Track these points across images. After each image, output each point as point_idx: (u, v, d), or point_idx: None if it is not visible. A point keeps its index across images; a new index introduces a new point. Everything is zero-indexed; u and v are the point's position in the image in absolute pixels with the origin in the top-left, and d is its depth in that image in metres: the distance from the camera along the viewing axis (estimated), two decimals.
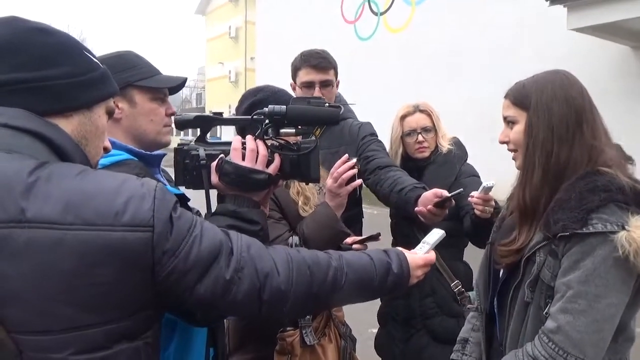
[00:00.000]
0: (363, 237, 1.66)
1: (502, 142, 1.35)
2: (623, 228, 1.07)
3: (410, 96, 2.23)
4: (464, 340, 1.52)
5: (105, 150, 0.95)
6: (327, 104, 1.23)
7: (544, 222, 1.18)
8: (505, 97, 1.33)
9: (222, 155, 1.17)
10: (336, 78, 2.18)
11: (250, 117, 1.19)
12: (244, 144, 1.17)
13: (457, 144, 2.18)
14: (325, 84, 2.10)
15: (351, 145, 2.10)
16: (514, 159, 1.33)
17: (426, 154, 2.14)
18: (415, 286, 2.09)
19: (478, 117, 8.78)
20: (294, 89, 2.18)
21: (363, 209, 2.34)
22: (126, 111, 1.23)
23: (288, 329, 1.54)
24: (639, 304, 1.17)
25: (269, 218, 1.55)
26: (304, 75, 2.10)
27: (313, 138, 1.20)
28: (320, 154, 1.89)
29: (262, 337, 1.57)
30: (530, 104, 1.25)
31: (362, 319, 2.38)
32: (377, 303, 2.27)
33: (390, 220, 2.29)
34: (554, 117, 1.21)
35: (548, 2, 7.39)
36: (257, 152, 1.16)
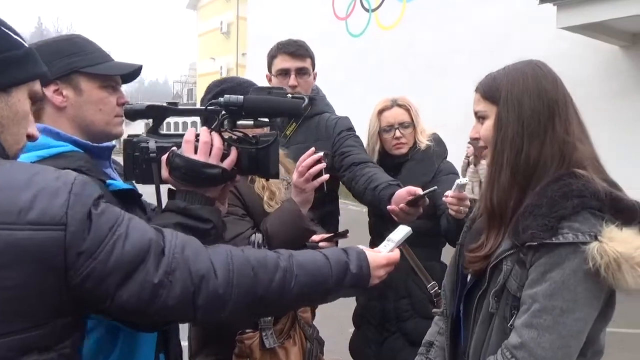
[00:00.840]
0: (330, 234, 1.58)
1: (472, 139, 1.27)
2: (595, 238, 1.00)
3: (401, 93, 2.16)
4: (428, 344, 1.46)
5: (30, 138, 0.86)
6: (289, 95, 1.15)
7: (512, 228, 1.11)
8: (476, 90, 1.25)
9: (174, 147, 1.09)
10: (313, 69, 2.11)
11: (204, 107, 1.11)
12: (198, 136, 1.09)
13: (437, 140, 2.11)
14: (302, 72, 2.03)
15: (327, 141, 2.03)
16: (484, 156, 1.26)
17: (404, 150, 2.07)
18: (390, 288, 2.08)
19: (469, 115, 8.75)
20: (269, 80, 2.11)
21: (349, 206, 2.27)
22: (71, 99, 1.14)
23: (247, 331, 1.47)
24: (609, 317, 1.10)
25: (230, 214, 1.47)
26: (280, 63, 2.03)
27: (273, 131, 1.12)
28: (295, 149, 1.83)
29: (222, 340, 1.50)
30: (500, 97, 1.17)
31: (343, 317, 2.32)
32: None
33: (368, 218, 2.23)
34: (525, 111, 1.13)
35: (538, 0, 7.36)
36: (212, 145, 1.08)
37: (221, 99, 1.08)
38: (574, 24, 7.23)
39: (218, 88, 1.52)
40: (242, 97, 1.07)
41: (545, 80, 1.16)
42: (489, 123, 1.20)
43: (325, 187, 1.54)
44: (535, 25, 8.57)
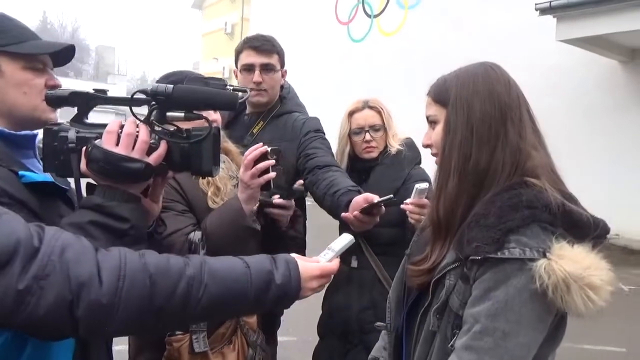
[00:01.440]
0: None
1: (425, 146, 1.18)
2: (544, 255, 0.90)
3: (401, 99, 2.08)
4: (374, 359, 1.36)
5: None
6: (230, 87, 1.06)
7: (457, 240, 1.02)
8: (427, 94, 1.17)
9: (97, 139, 1.00)
10: (282, 66, 2.02)
11: (130, 96, 1.02)
12: (123, 127, 1.00)
13: (409, 145, 2.02)
14: (267, 68, 1.95)
15: (293, 141, 1.95)
16: (437, 163, 1.16)
17: (374, 154, 1.98)
18: (356, 298, 1.99)
19: None
20: (236, 76, 2.04)
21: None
22: None
23: (177, 333, 1.38)
24: (559, 339, 1.00)
25: (169, 210, 1.38)
26: (244, 58, 1.96)
27: (207, 125, 1.03)
28: None
29: (155, 342, 1.42)
30: (449, 100, 1.08)
31: (313, 325, 2.22)
32: None
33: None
34: (475, 114, 1.04)
35: (538, 12, 7.30)
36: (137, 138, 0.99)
37: (149, 88, 0.99)
38: (573, 36, 7.17)
39: (166, 80, 1.43)
40: (172, 86, 0.99)
41: (498, 83, 1.07)
42: (439, 128, 1.12)
43: (272, 185, 1.46)
44: (535, 37, 8.50)
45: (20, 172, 0.99)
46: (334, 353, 2.02)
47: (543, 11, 7.24)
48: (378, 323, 1.40)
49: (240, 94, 1.08)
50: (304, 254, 1.99)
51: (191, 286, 0.82)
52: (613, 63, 8.11)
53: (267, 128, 2.00)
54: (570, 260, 0.89)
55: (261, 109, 2.02)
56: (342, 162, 2.01)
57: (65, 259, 0.74)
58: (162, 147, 1.02)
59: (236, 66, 2.03)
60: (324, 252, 1.06)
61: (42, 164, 1.15)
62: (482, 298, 0.94)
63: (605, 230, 1.00)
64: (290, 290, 0.92)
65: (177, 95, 0.98)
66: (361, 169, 1.99)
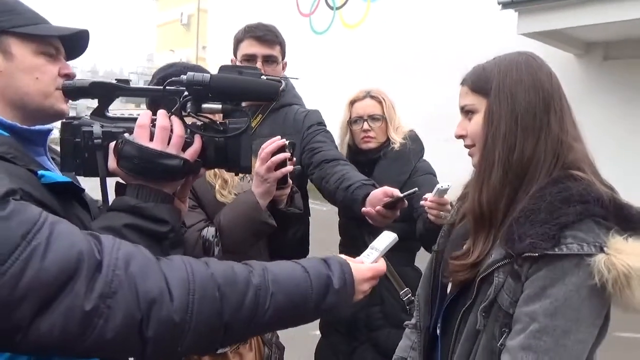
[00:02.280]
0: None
1: (458, 137, 1.15)
2: (601, 250, 0.89)
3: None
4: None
5: None
6: (264, 77, 0.99)
7: (506, 236, 0.99)
8: (462, 83, 1.13)
9: (125, 134, 0.91)
10: (283, 57, 1.95)
11: (162, 86, 0.93)
12: (154, 120, 0.91)
13: (413, 137, 1.99)
14: (269, 60, 1.87)
15: (295, 135, 1.88)
16: (470, 155, 1.14)
17: (372, 145, 1.94)
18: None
19: (432, 117, 8.81)
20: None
21: (314, 205, 2.12)
22: (0, 65, 0.93)
23: None
24: (604, 334, 0.99)
25: None
26: (246, 48, 1.87)
27: (245, 118, 0.96)
28: (260, 142, 1.64)
29: None
30: (491, 89, 1.05)
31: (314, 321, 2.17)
32: None
33: (338, 218, 2.09)
34: (519, 103, 1.02)
35: (500, 5, 7.48)
36: (171, 132, 0.90)
37: (184, 77, 0.91)
38: (533, 30, 7.39)
39: (164, 72, 1.34)
40: (209, 75, 0.90)
41: (540, 72, 1.06)
42: (477, 118, 1.09)
43: (289, 179, 1.40)
44: (497, 30, 8.72)
45: (40, 172, 0.89)
46: (338, 351, 1.98)
47: (505, 5, 7.43)
48: (407, 322, 1.37)
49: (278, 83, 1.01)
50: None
51: (259, 296, 0.75)
52: (569, 56, 8.44)
53: (266, 121, 1.93)
54: (630, 254, 0.88)
55: (259, 103, 1.94)
56: (342, 152, 1.97)
57: (132, 272, 0.65)
58: (197, 141, 0.94)
59: (234, 55, 1.93)
60: (366, 251, 1.01)
61: (52, 162, 1.04)
62: (538, 296, 0.92)
63: None
64: (346, 295, 0.87)
65: (215, 85, 0.90)
66: (364, 162, 1.94)
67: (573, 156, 1.03)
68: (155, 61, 29.68)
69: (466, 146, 1.15)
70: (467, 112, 1.12)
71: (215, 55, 17.38)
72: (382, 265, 0.97)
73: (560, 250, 0.90)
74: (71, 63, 1.13)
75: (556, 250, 0.90)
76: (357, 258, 0.98)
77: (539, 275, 0.92)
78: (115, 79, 0.96)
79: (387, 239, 1.03)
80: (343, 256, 0.93)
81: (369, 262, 0.96)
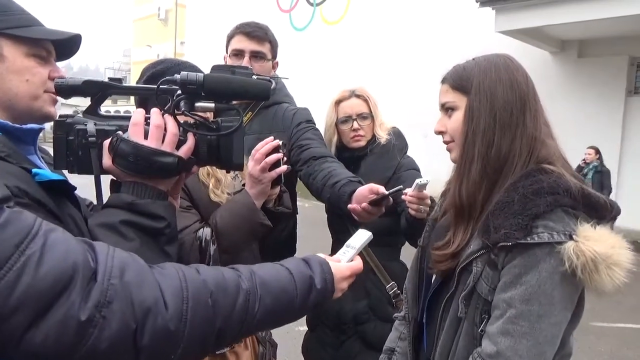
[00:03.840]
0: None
1: (437, 133, 1.20)
2: (570, 238, 0.95)
3: (343, 89, 2.06)
4: (390, 350, 1.37)
5: None
6: (255, 76, 1.01)
7: (482, 227, 1.04)
8: (443, 81, 1.18)
9: (118, 131, 0.92)
10: (274, 57, 1.96)
11: (156, 86, 0.94)
12: (147, 118, 0.92)
13: (397, 134, 2.02)
14: (257, 56, 1.88)
15: (284, 132, 1.89)
16: (448, 150, 1.19)
17: (362, 143, 1.97)
18: (348, 288, 1.97)
19: (411, 113, 8.91)
20: (225, 61, 1.95)
21: (302, 203, 2.14)
22: None
23: None
24: (579, 317, 1.06)
25: None
26: (235, 43, 1.88)
27: (237, 116, 0.97)
28: (250, 139, 1.68)
29: None
30: (471, 87, 1.10)
31: None
32: None
33: (324, 215, 2.11)
34: (498, 101, 1.07)
35: (478, 3, 7.59)
36: (165, 130, 0.92)
37: (177, 76, 0.92)
38: (511, 28, 7.54)
39: (153, 69, 1.33)
40: (202, 74, 0.92)
41: (517, 73, 1.11)
42: (457, 115, 1.13)
43: (282, 179, 1.41)
44: (475, 28, 8.86)
45: (33, 170, 0.89)
46: (326, 344, 2.01)
47: (483, 3, 7.55)
48: (396, 314, 1.41)
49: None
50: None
51: (248, 301, 0.76)
52: (545, 54, 8.63)
53: (255, 119, 1.94)
54: (596, 240, 0.94)
55: (249, 100, 1.95)
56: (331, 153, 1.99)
57: (127, 281, 0.64)
58: (191, 139, 0.95)
59: (226, 51, 1.94)
60: (342, 249, 1.04)
61: (42, 161, 1.04)
62: (514, 283, 0.97)
63: (618, 211, 1.06)
64: (327, 294, 0.89)
65: (209, 85, 0.91)
66: (349, 159, 1.97)
67: (546, 151, 1.08)
68: (133, 57, 29.19)
69: (445, 142, 1.19)
70: (447, 109, 1.17)
71: (193, 51, 17.19)
72: (359, 263, 1.00)
73: (532, 239, 0.96)
74: None
75: (528, 239, 0.96)
76: (334, 256, 1.00)
77: (513, 263, 0.98)
78: (108, 77, 0.97)
79: (362, 236, 1.05)
80: (322, 255, 0.96)
81: (345, 260, 0.99)
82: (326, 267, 0.90)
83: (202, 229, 1.33)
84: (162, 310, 0.66)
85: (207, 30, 15.54)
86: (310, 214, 2.70)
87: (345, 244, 1.05)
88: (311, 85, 11.24)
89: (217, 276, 0.76)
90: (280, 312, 0.82)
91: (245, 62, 1.85)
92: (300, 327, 2.18)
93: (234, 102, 1.99)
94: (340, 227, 1.95)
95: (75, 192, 1.06)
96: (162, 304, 0.67)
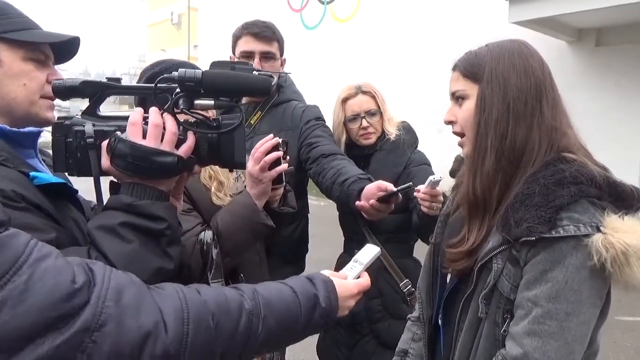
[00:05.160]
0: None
1: (447, 123, 1.14)
2: (598, 230, 0.89)
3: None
4: (403, 352, 1.33)
5: None
6: (256, 72, 0.98)
7: (502, 222, 0.98)
8: (454, 68, 1.12)
9: (116, 132, 0.90)
10: (281, 54, 1.94)
11: (153, 84, 0.92)
12: (146, 118, 0.91)
13: (407, 128, 1.98)
14: (267, 56, 1.86)
15: (294, 130, 1.87)
16: (460, 144, 1.13)
17: (372, 140, 1.93)
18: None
19: (425, 108, 8.81)
20: None
21: (309, 201, 2.12)
22: None
23: None
24: (607, 313, 0.99)
25: None
26: (243, 44, 1.86)
27: (238, 113, 0.95)
28: (259, 139, 1.66)
29: None
30: (483, 74, 1.04)
31: None
32: None
33: (337, 213, 2.08)
34: (511, 89, 1.01)
35: None
36: (164, 129, 0.90)
37: (175, 73, 0.90)
38: (524, 18, 7.38)
39: (152, 70, 1.31)
40: (201, 71, 0.90)
41: (532, 59, 1.05)
42: (469, 104, 1.08)
43: (284, 179, 1.38)
44: (488, 19, 8.71)
45: (32, 174, 0.88)
46: (340, 344, 1.98)
47: None
48: (410, 315, 1.37)
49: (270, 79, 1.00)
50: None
51: (251, 322, 0.74)
52: (561, 43, 8.44)
53: (264, 118, 1.92)
54: (626, 232, 0.88)
55: (259, 99, 1.93)
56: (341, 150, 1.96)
57: (124, 304, 0.62)
58: (191, 138, 0.93)
59: (233, 52, 1.92)
60: (350, 264, 1.01)
61: (43, 164, 1.04)
62: (539, 280, 0.92)
63: None
64: (332, 312, 0.86)
65: (208, 81, 0.89)
66: (359, 156, 1.93)
67: (566, 142, 1.02)
68: (148, 61, 29.53)
69: (455, 133, 1.14)
70: (457, 98, 1.11)
71: (207, 54, 17.29)
72: (366, 280, 0.97)
73: (557, 232, 0.90)
74: (62, 66, 1.12)
75: (553, 233, 0.90)
76: (341, 271, 0.97)
77: (537, 259, 0.92)
78: (106, 78, 0.95)
79: (370, 252, 1.03)
80: (327, 272, 0.93)
81: (352, 276, 0.96)
82: (330, 285, 0.87)
83: (203, 232, 1.31)
84: (162, 333, 0.64)
85: (219, 33, 15.62)
86: (327, 212, 2.67)
87: (353, 259, 1.02)
88: (325, 84, 11.21)
89: (219, 297, 0.74)
90: (284, 332, 0.80)
91: (255, 63, 1.84)
92: None
93: (244, 100, 1.99)
94: (352, 225, 1.92)
95: (79, 194, 1.06)
96: (162, 327, 0.64)
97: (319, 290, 0.85)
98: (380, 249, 1.72)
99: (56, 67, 1.05)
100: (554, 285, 0.90)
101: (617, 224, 0.90)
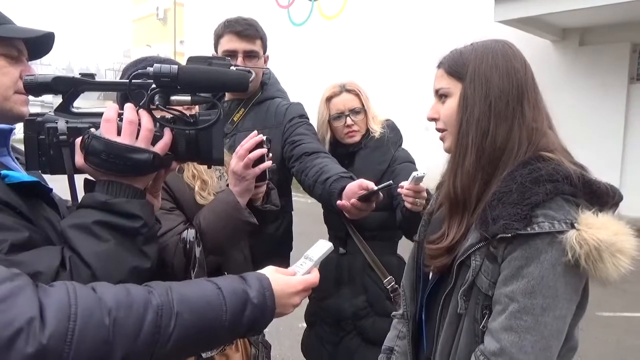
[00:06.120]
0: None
1: (430, 119, 1.14)
2: (572, 226, 0.90)
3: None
4: (389, 350, 1.33)
5: None
6: (233, 67, 0.97)
7: (480, 219, 0.99)
8: (439, 66, 1.12)
9: (91, 129, 0.88)
10: (264, 51, 1.92)
11: (128, 80, 0.90)
12: (121, 114, 0.89)
13: (391, 126, 1.98)
14: (250, 55, 1.84)
15: (277, 128, 1.86)
16: (441, 139, 1.14)
17: (357, 138, 1.93)
18: (347, 284, 1.95)
19: (411, 107, 8.85)
20: None
21: (294, 198, 2.11)
22: None
23: None
24: (585, 307, 1.00)
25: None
26: (226, 43, 1.83)
27: (216, 109, 0.93)
28: (242, 136, 1.64)
29: None
30: (466, 73, 1.05)
31: (299, 312, 2.16)
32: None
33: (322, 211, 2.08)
34: (493, 90, 1.02)
35: None
36: (139, 126, 0.88)
37: (150, 69, 0.88)
38: (510, 17, 7.44)
39: (135, 67, 1.29)
40: (176, 66, 0.88)
41: (515, 60, 1.05)
42: (451, 102, 1.08)
43: (267, 176, 1.37)
44: (474, 18, 8.76)
45: (3, 172, 0.86)
46: (325, 340, 1.98)
47: None
48: (394, 313, 1.37)
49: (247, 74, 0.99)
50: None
51: (160, 318, 0.70)
52: (546, 42, 8.53)
53: (248, 115, 1.90)
54: (599, 228, 0.89)
55: (242, 96, 1.91)
56: (325, 149, 1.95)
57: None
58: (167, 134, 0.91)
59: (215, 50, 1.90)
60: (300, 261, 0.99)
61: (17, 162, 1.01)
62: (515, 276, 0.93)
63: (620, 197, 1.01)
64: (267, 310, 0.84)
65: (184, 77, 0.88)
66: (343, 154, 1.93)
67: (545, 141, 1.03)
68: (133, 57, 29.17)
69: (437, 129, 1.15)
70: (441, 95, 1.12)
71: (193, 50, 17.14)
72: (314, 276, 0.95)
73: (532, 229, 0.91)
74: (46, 61, 1.09)
75: (528, 229, 0.91)
76: (290, 268, 0.96)
77: (514, 255, 0.93)
78: (80, 73, 0.93)
79: (322, 248, 1.01)
80: (272, 268, 0.91)
81: (301, 273, 0.94)
82: (265, 282, 0.85)
83: (186, 231, 1.29)
84: (35, 330, 0.60)
85: (206, 29, 15.46)
86: (313, 210, 2.66)
87: (304, 255, 1.00)
88: (311, 80, 11.19)
89: (119, 293, 0.70)
90: (205, 329, 0.76)
91: (239, 62, 1.81)
92: (302, 323, 2.15)
93: (227, 97, 1.97)
94: (336, 223, 1.92)
95: (54, 193, 1.04)
96: (37, 323, 0.61)
97: (250, 287, 0.82)
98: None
99: (40, 62, 1.02)
100: (529, 281, 0.91)
101: (591, 221, 0.91)
